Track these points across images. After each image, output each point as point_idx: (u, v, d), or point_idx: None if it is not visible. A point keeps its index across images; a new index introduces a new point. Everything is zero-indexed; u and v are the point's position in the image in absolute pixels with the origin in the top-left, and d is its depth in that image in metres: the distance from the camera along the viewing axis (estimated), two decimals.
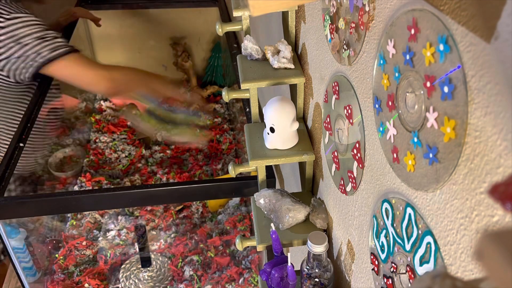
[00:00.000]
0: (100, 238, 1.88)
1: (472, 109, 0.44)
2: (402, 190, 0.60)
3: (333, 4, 0.78)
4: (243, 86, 1.00)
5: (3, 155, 1.57)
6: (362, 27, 0.67)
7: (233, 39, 1.97)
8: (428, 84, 0.50)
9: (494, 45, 0.40)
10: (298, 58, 1.06)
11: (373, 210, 0.70)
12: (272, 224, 0.89)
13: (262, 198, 0.98)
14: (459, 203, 0.48)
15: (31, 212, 1.44)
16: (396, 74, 0.58)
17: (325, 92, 0.88)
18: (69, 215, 1.97)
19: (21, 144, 1.51)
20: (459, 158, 0.47)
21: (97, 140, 2.27)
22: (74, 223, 1.93)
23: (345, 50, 0.75)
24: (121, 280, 1.78)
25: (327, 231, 0.95)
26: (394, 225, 0.63)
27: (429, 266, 0.55)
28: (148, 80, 1.79)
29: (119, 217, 1.94)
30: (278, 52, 1.01)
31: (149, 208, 1.97)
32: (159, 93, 1.81)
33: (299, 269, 0.90)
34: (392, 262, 0.64)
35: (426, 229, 0.55)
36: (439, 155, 0.50)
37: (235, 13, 1.10)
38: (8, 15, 1.58)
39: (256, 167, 1.05)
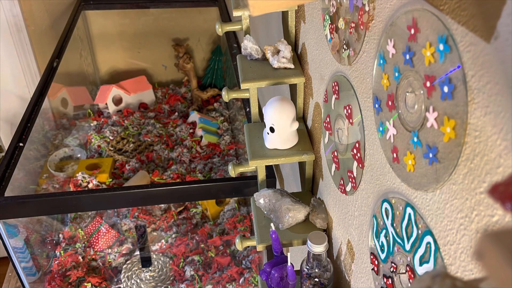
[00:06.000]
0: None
1: (472, 109, 0.44)
2: (402, 190, 0.60)
3: (333, 4, 0.78)
4: (243, 86, 1.00)
5: None
6: (362, 27, 0.67)
7: (233, 39, 1.97)
8: (428, 84, 0.50)
9: (494, 45, 0.40)
10: (298, 58, 1.06)
11: (373, 210, 0.70)
12: (272, 224, 0.89)
13: (262, 198, 0.98)
14: (459, 203, 0.48)
15: (31, 212, 1.44)
16: (396, 74, 0.58)
17: (325, 92, 0.88)
18: (69, 214, 1.96)
19: (21, 144, 1.51)
20: (459, 158, 0.47)
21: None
22: (76, 215, 1.93)
23: (345, 50, 0.75)
24: (122, 280, 1.78)
25: (327, 231, 0.95)
26: (394, 225, 0.63)
27: (429, 266, 0.55)
28: None
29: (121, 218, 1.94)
30: (278, 52, 1.01)
31: (150, 212, 1.97)
32: None
33: (299, 269, 0.90)
34: (392, 262, 0.64)
35: (426, 229, 0.55)
36: (439, 155, 0.50)
37: (235, 13, 1.10)
38: None
39: (256, 167, 1.04)
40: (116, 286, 1.77)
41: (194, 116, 2.38)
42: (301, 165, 1.10)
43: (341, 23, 0.75)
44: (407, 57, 0.54)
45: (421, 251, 0.56)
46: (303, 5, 0.98)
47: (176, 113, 2.48)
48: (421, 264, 0.57)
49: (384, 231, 0.66)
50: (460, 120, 0.46)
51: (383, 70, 0.61)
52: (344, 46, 0.75)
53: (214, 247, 1.85)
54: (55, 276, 1.76)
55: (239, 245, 1.03)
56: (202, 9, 2.60)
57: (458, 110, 0.46)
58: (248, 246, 1.72)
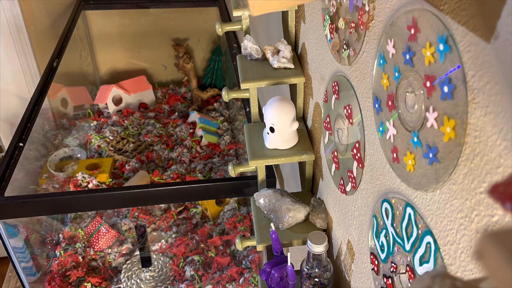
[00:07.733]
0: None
1: (472, 109, 0.44)
2: (402, 190, 0.60)
3: (333, 4, 0.78)
4: (243, 86, 1.00)
5: None
6: (362, 27, 0.67)
7: (233, 39, 1.97)
8: (428, 84, 0.50)
9: (494, 44, 0.40)
10: (298, 58, 1.06)
11: (373, 210, 0.70)
12: (272, 224, 0.89)
13: (262, 198, 0.98)
14: (459, 203, 0.48)
15: (31, 212, 1.44)
16: (396, 74, 0.58)
17: (325, 92, 0.88)
18: (69, 214, 1.96)
19: (21, 144, 1.51)
20: (459, 158, 0.47)
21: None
22: (76, 215, 1.93)
23: (345, 50, 0.75)
24: (122, 280, 1.78)
25: (327, 231, 0.95)
26: (394, 225, 0.63)
27: (429, 266, 0.55)
28: None
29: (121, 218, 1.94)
30: (278, 52, 1.01)
31: (150, 212, 1.97)
32: None
33: (299, 269, 0.90)
34: (392, 262, 0.64)
35: (426, 229, 0.55)
36: (439, 155, 0.50)
37: (235, 13, 1.10)
38: None
39: (256, 167, 1.04)
40: (116, 286, 1.77)
41: (194, 116, 2.38)
42: (301, 165, 1.10)
43: (341, 23, 0.75)
44: (407, 57, 0.54)
45: (421, 251, 0.56)
46: (303, 5, 0.98)
47: (176, 113, 2.48)
48: (421, 264, 0.57)
49: (384, 231, 0.66)
50: (460, 120, 0.46)
51: (383, 70, 0.61)
52: (344, 46, 0.75)
53: (214, 247, 1.85)
54: (55, 276, 1.76)
55: (239, 245, 1.03)
56: (202, 9, 2.60)
57: (458, 110, 0.46)
58: (248, 246, 1.72)
